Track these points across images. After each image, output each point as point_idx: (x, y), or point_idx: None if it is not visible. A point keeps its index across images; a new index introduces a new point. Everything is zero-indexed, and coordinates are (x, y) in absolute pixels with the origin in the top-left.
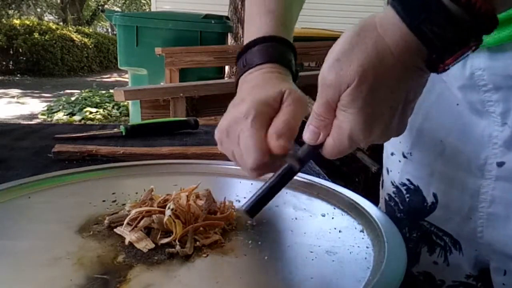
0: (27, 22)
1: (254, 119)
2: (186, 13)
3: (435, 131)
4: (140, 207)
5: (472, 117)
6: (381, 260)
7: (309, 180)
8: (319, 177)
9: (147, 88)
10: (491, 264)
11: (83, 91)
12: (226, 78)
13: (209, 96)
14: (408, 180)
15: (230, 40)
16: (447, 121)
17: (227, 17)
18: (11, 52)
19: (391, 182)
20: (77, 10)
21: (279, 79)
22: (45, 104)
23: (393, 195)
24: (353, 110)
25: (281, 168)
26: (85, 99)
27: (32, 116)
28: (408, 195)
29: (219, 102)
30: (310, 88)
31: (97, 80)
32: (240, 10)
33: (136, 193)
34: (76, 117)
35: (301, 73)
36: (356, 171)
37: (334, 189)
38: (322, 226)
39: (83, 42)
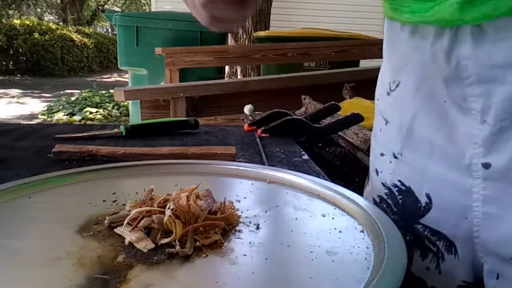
0: (27, 22)
1: None
2: (186, 13)
3: (424, 130)
4: (140, 207)
5: (456, 115)
6: (381, 260)
7: (309, 180)
8: (319, 177)
9: (147, 88)
10: (484, 268)
11: (83, 91)
12: (226, 78)
13: (209, 96)
14: (400, 181)
15: (230, 40)
16: (434, 120)
17: None
18: (11, 52)
19: (382, 183)
20: (77, 10)
21: None
22: (45, 104)
23: (385, 196)
24: None
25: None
26: (85, 99)
27: (32, 116)
28: (400, 196)
29: (219, 102)
30: (313, 88)
31: (97, 80)
32: None
33: (136, 193)
34: (76, 117)
35: (301, 73)
36: (356, 171)
37: (334, 189)
38: (322, 226)
39: (83, 42)
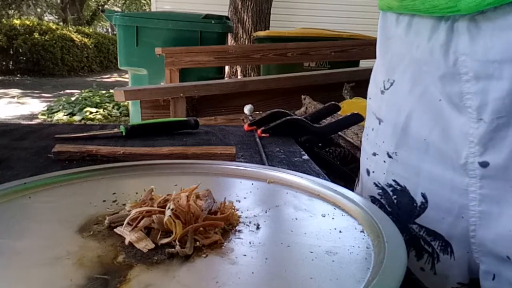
0: (27, 22)
1: None
2: (186, 13)
3: (419, 129)
4: (140, 207)
5: (452, 113)
6: (381, 260)
7: (309, 180)
8: (319, 177)
9: (147, 88)
10: (480, 268)
11: (83, 91)
12: (226, 78)
13: (209, 96)
14: (394, 181)
15: (230, 40)
16: (429, 119)
17: (227, 17)
18: (11, 52)
19: (375, 183)
20: (77, 10)
21: None
22: (45, 104)
23: (378, 196)
24: None
25: None
26: (85, 99)
27: (32, 116)
28: (395, 196)
29: (219, 102)
30: (313, 88)
31: (97, 80)
32: (240, 10)
33: (136, 193)
34: (76, 117)
35: (301, 73)
36: (356, 171)
37: (334, 189)
38: (322, 226)
39: (83, 42)
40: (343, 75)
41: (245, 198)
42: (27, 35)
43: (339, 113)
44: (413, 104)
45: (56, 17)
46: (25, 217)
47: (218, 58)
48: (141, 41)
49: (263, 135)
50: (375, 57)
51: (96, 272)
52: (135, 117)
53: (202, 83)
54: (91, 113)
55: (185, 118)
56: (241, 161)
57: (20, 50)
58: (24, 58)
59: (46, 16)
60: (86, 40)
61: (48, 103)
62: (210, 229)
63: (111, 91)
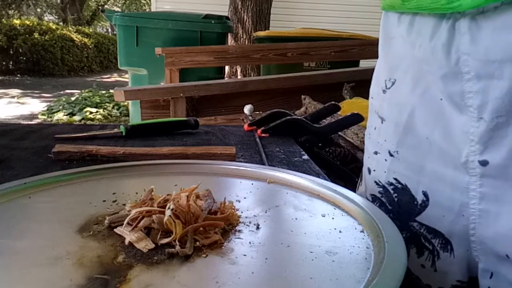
0: (27, 22)
1: None
2: (186, 13)
3: (421, 128)
4: (140, 207)
5: (453, 112)
6: (381, 260)
7: (309, 180)
8: (319, 177)
9: (147, 88)
10: (479, 266)
11: (83, 91)
12: (226, 78)
13: (209, 96)
14: (395, 179)
15: (230, 40)
16: (431, 117)
17: (227, 17)
18: (11, 52)
19: (376, 182)
20: (77, 10)
21: None
22: (45, 104)
23: (378, 195)
24: None
25: None
26: (85, 99)
27: (32, 116)
28: (396, 194)
29: (219, 102)
30: (313, 88)
31: (97, 80)
32: (240, 10)
33: (136, 193)
34: (76, 117)
35: (301, 73)
36: (356, 171)
37: (334, 189)
38: (322, 226)
39: (83, 42)
40: (343, 75)
41: (245, 198)
42: (27, 35)
43: (339, 113)
44: (414, 103)
45: (56, 17)
46: (25, 217)
47: (218, 58)
48: (141, 41)
49: (263, 135)
50: (375, 57)
51: (96, 272)
52: (135, 117)
53: (202, 83)
54: (91, 113)
55: (185, 118)
56: (241, 161)
57: (20, 50)
58: (24, 58)
59: (46, 16)
60: (86, 40)
61: (48, 103)
62: (210, 229)
63: (111, 91)
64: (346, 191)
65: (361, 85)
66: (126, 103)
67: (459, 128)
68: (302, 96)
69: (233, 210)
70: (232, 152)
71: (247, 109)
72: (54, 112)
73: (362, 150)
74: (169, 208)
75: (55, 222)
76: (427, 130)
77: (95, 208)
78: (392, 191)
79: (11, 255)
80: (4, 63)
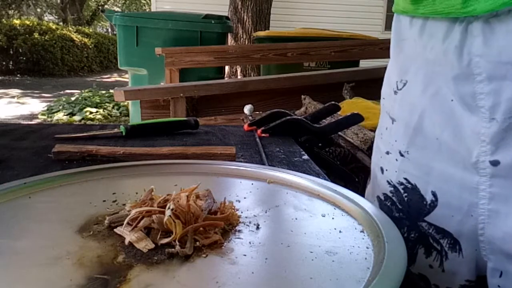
0: (27, 22)
1: None
2: (186, 13)
3: (431, 129)
4: (140, 207)
5: (463, 113)
6: (381, 260)
7: (309, 180)
8: (319, 177)
9: (147, 88)
10: (488, 265)
11: (83, 91)
12: (226, 78)
13: (209, 96)
14: (405, 179)
15: (230, 40)
16: (441, 118)
17: (227, 17)
18: (11, 52)
19: (387, 181)
20: (77, 10)
21: None
22: (45, 104)
23: (390, 194)
24: None
25: None
26: (85, 99)
27: (32, 116)
28: (406, 194)
29: (219, 102)
30: (313, 88)
31: (97, 80)
32: (240, 10)
33: (136, 193)
34: (76, 117)
35: (301, 73)
36: (356, 171)
37: (334, 189)
38: (322, 226)
39: (83, 42)
40: (343, 75)
41: (245, 198)
42: (27, 35)
43: (339, 113)
44: (425, 104)
45: (56, 17)
46: (25, 217)
47: (218, 58)
48: (141, 41)
49: (263, 135)
50: (375, 57)
51: (96, 272)
52: (135, 117)
53: (202, 83)
54: (91, 113)
55: (185, 118)
56: (241, 161)
57: (20, 50)
58: (24, 58)
59: (46, 16)
60: (86, 40)
61: (48, 103)
62: (210, 229)
63: (111, 91)
64: (346, 191)
65: (361, 85)
66: (126, 103)
67: (469, 128)
68: (302, 96)
69: (233, 210)
70: (232, 152)
71: (247, 109)
72: (54, 112)
73: (362, 150)
74: (169, 208)
75: (55, 222)
76: (437, 131)
77: (95, 208)
78: (402, 191)
79: (11, 255)
80: (4, 63)
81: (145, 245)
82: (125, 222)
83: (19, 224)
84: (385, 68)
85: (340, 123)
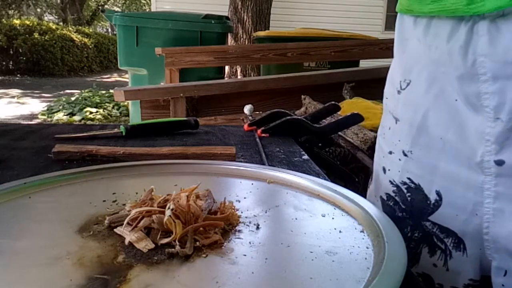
0: (27, 22)
1: None
2: (186, 13)
3: (435, 128)
4: (140, 207)
5: (468, 113)
6: (381, 260)
7: (309, 180)
8: (319, 177)
9: (147, 88)
10: (492, 264)
11: (83, 91)
12: (226, 78)
13: (209, 96)
14: (409, 178)
15: (230, 40)
16: (445, 118)
17: (227, 17)
18: (11, 52)
19: (390, 181)
20: (77, 10)
21: None
22: (45, 104)
23: (392, 194)
24: None
25: None
26: (85, 99)
27: (32, 116)
28: (409, 194)
29: (219, 102)
30: (313, 88)
31: (97, 80)
32: (240, 10)
33: (136, 193)
34: (76, 117)
35: (301, 73)
36: (356, 171)
37: (334, 189)
38: (322, 226)
39: (83, 42)
40: (343, 75)
41: (245, 198)
42: (27, 35)
43: (339, 113)
44: (429, 103)
45: (56, 17)
46: (25, 217)
47: (218, 58)
48: (141, 41)
49: (263, 135)
50: (375, 57)
51: (96, 272)
52: (135, 117)
53: (202, 83)
54: (91, 113)
55: (185, 118)
56: (241, 161)
57: (20, 50)
58: (24, 58)
59: (46, 16)
60: (86, 40)
61: (48, 103)
62: (210, 229)
63: (111, 91)
64: (346, 191)
65: (361, 85)
66: (126, 103)
67: (474, 128)
68: (302, 96)
69: (233, 210)
70: (232, 152)
71: (247, 109)
72: (54, 112)
73: (362, 150)
74: (169, 208)
75: (55, 222)
76: (441, 130)
77: (95, 208)
78: (405, 191)
79: (11, 255)
80: (4, 63)
81: (145, 245)
82: (125, 222)
83: (19, 224)
84: (385, 68)
85: (340, 123)
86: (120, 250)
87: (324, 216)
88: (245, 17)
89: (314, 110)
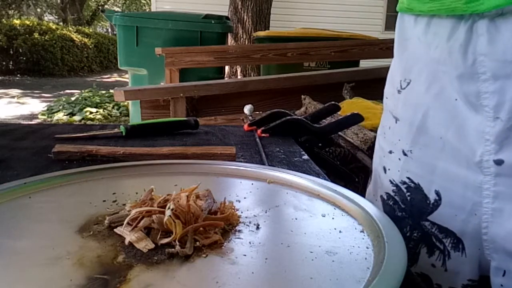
0: (27, 22)
1: None
2: (186, 13)
3: (435, 128)
4: (140, 207)
5: (468, 112)
6: (381, 260)
7: (309, 180)
8: (319, 177)
9: (147, 88)
10: (491, 265)
11: (83, 91)
12: (226, 78)
13: (209, 96)
14: (408, 178)
15: (230, 40)
16: (445, 117)
17: (227, 17)
18: (11, 52)
19: (390, 180)
20: (77, 10)
21: None
22: (45, 104)
23: (392, 193)
24: None
25: None
26: (85, 99)
27: (32, 116)
28: (409, 193)
29: (219, 102)
30: (313, 88)
31: (97, 80)
32: (240, 10)
33: (136, 193)
34: (76, 117)
35: (301, 73)
36: (356, 171)
37: (334, 189)
38: (322, 226)
39: (83, 42)
40: (343, 75)
41: (245, 198)
42: (27, 35)
43: (339, 113)
44: (429, 103)
45: (56, 17)
46: (25, 217)
47: (218, 58)
48: (141, 41)
49: (263, 135)
50: (375, 57)
51: (96, 272)
52: (135, 117)
53: (202, 83)
54: (91, 113)
55: (185, 118)
56: (241, 161)
57: (20, 50)
58: (24, 58)
59: (46, 16)
60: (86, 40)
61: (48, 103)
62: (210, 229)
63: (111, 91)
64: (346, 191)
65: (361, 85)
66: (126, 103)
67: (473, 127)
68: (302, 96)
69: (233, 210)
70: (232, 152)
71: (247, 109)
72: (54, 112)
73: (362, 150)
74: (169, 208)
75: (55, 222)
76: (441, 130)
77: (95, 208)
78: (405, 190)
79: (11, 255)
80: (4, 63)
81: (145, 245)
82: (125, 222)
83: (19, 224)
84: (385, 68)
85: (340, 123)
86: (120, 250)
87: (324, 216)
88: (245, 17)
89: (314, 110)
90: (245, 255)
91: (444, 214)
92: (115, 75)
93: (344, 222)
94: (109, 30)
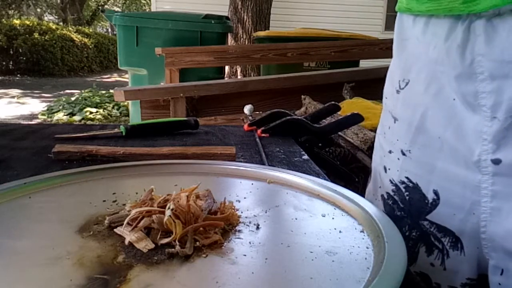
0: (27, 22)
1: None
2: (186, 13)
3: (433, 128)
4: (140, 207)
5: (465, 112)
6: (381, 260)
7: (309, 180)
8: (319, 177)
9: (147, 88)
10: (489, 263)
11: (83, 91)
12: (226, 78)
13: (209, 96)
14: (407, 178)
15: (230, 40)
16: (444, 117)
17: (227, 17)
18: (11, 52)
19: (390, 180)
20: (77, 10)
21: None
22: (45, 104)
23: (392, 193)
24: None
25: None
26: (85, 99)
27: (32, 116)
28: (407, 193)
29: (219, 102)
30: (313, 88)
31: (97, 80)
32: (240, 10)
33: (136, 193)
34: (76, 117)
35: (301, 73)
36: (356, 171)
37: (334, 189)
38: (322, 226)
39: (83, 42)
40: (343, 75)
41: (245, 198)
42: (27, 35)
43: (339, 113)
44: (427, 103)
45: (56, 17)
46: (25, 217)
47: (218, 58)
48: (141, 41)
49: (263, 135)
50: (374, 57)
51: (96, 272)
52: (135, 117)
53: (202, 83)
54: (91, 113)
55: (185, 118)
56: (241, 161)
57: (20, 50)
58: (24, 58)
59: (46, 16)
60: (86, 40)
61: (48, 103)
62: (210, 229)
63: (111, 91)
64: (346, 191)
65: (361, 85)
66: (126, 103)
67: (471, 127)
68: (302, 96)
69: (233, 210)
70: (232, 152)
71: (247, 109)
72: (54, 112)
73: (362, 150)
74: (169, 208)
75: (55, 222)
76: (440, 130)
77: (95, 208)
78: (403, 190)
79: (11, 255)
80: (4, 63)
81: (145, 245)
82: (125, 222)
83: (19, 224)
84: (385, 68)
85: (340, 123)
86: (120, 250)
87: (324, 216)
88: (245, 17)
89: (314, 110)
90: (245, 255)
91: (442, 213)
92: (115, 75)
93: (344, 222)
94: (109, 30)
